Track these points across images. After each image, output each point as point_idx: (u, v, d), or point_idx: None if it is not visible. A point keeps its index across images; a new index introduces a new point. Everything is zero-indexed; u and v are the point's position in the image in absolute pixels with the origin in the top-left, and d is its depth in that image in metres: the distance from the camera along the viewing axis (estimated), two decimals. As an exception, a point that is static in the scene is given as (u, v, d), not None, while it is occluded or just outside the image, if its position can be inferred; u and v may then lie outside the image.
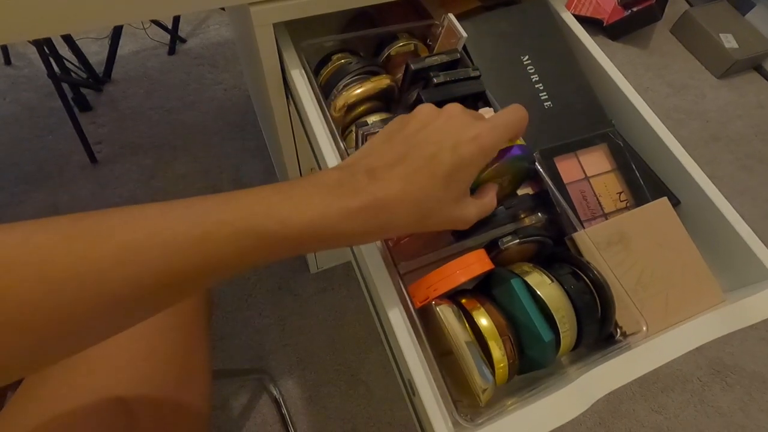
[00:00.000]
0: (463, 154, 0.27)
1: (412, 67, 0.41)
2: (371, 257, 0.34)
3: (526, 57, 0.47)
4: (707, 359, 1.06)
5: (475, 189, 0.36)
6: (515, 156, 0.36)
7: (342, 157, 0.38)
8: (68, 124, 1.10)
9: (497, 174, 0.36)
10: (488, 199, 0.33)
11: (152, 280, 0.21)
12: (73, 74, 1.21)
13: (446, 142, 0.28)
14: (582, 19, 1.60)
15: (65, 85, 1.12)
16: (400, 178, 0.26)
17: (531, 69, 0.47)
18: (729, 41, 1.54)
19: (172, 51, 1.37)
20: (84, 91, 1.22)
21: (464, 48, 0.44)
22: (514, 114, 0.31)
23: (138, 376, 0.37)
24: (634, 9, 1.53)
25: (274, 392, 0.92)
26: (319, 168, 0.43)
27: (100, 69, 1.27)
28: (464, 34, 0.42)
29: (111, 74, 1.29)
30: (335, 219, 0.25)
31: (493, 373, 0.32)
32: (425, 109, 0.30)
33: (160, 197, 1.13)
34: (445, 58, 0.42)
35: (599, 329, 0.35)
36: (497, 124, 0.29)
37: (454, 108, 0.30)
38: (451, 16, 0.43)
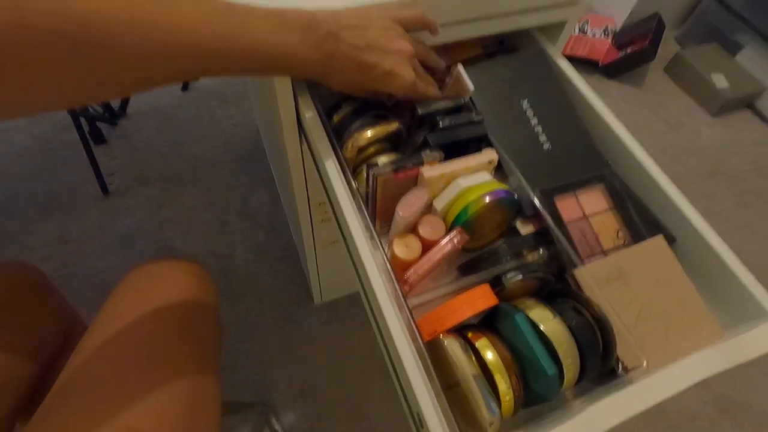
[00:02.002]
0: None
1: (420, 111, 0.44)
2: (381, 293, 0.35)
3: (526, 102, 0.50)
4: (714, 396, 1.05)
5: (465, 223, 0.40)
6: (499, 198, 0.39)
7: (353, 195, 0.40)
8: (82, 156, 1.13)
9: (485, 211, 0.39)
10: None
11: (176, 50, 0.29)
12: (90, 109, 1.26)
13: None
14: (578, 60, 1.67)
15: (82, 119, 1.16)
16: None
17: (530, 113, 0.49)
18: (720, 81, 1.60)
19: (185, 87, 1.43)
20: (99, 124, 1.27)
21: (468, 94, 0.47)
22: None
23: (151, 406, 0.38)
24: (628, 50, 1.60)
25: (276, 426, 0.91)
26: (330, 203, 0.45)
27: (116, 104, 1.33)
28: (472, 88, 0.45)
29: (126, 109, 1.35)
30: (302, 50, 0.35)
31: (499, 405, 0.33)
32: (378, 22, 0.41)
33: (167, 228, 1.15)
34: (450, 104, 0.45)
35: (601, 363, 0.36)
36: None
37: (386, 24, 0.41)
38: (461, 68, 0.46)
